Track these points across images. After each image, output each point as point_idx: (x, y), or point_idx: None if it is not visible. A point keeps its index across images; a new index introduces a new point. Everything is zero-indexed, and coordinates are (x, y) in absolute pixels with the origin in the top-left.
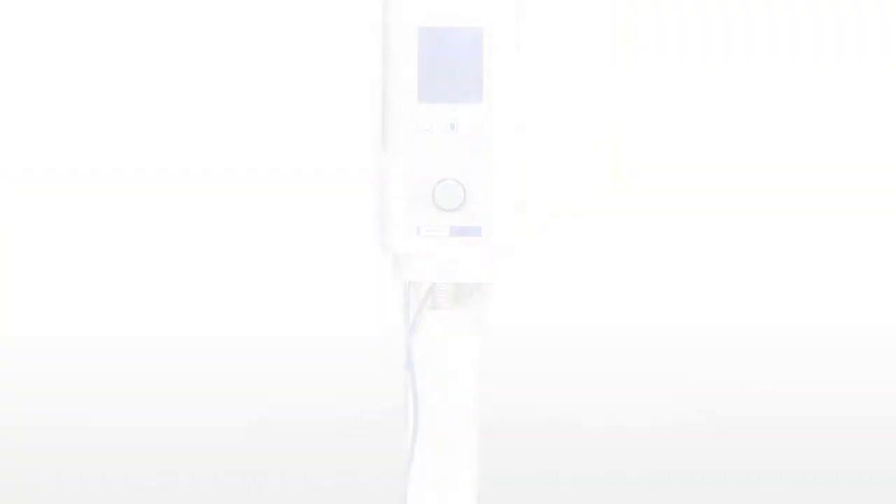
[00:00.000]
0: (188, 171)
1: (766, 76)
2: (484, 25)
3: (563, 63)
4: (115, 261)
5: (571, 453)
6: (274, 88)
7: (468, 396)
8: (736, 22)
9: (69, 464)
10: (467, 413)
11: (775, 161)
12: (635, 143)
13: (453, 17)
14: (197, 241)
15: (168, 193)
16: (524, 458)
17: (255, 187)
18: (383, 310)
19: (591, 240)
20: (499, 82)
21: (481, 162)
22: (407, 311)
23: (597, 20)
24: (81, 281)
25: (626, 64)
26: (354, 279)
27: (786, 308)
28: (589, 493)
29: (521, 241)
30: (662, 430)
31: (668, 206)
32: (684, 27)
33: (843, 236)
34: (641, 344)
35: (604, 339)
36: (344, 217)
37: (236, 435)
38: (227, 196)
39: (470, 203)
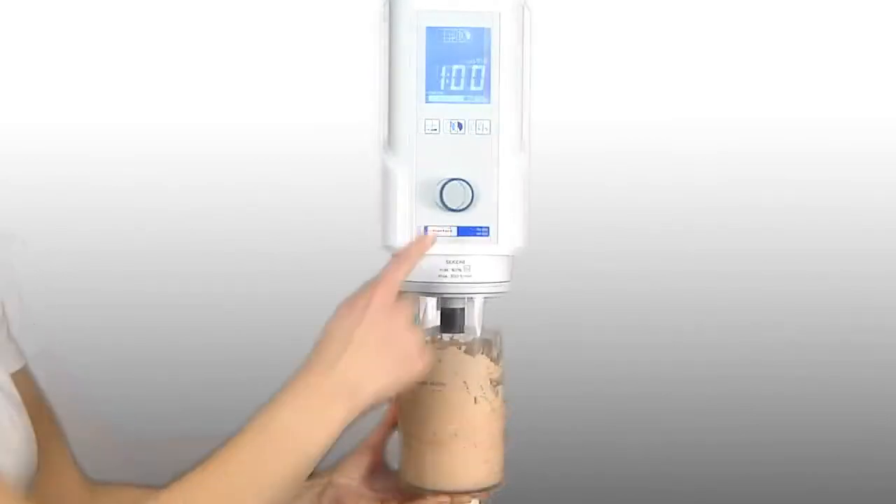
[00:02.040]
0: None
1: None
2: (491, 25)
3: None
4: None
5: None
6: (277, 87)
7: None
8: (736, 21)
9: None
10: None
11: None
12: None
13: (460, 16)
14: (196, 240)
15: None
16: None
17: (256, 188)
18: None
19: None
20: (506, 82)
21: (489, 162)
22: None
23: (599, 20)
24: None
25: (626, 64)
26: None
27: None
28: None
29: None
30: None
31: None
32: (684, 27)
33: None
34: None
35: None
36: (349, 217)
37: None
38: (226, 195)
39: (478, 203)
